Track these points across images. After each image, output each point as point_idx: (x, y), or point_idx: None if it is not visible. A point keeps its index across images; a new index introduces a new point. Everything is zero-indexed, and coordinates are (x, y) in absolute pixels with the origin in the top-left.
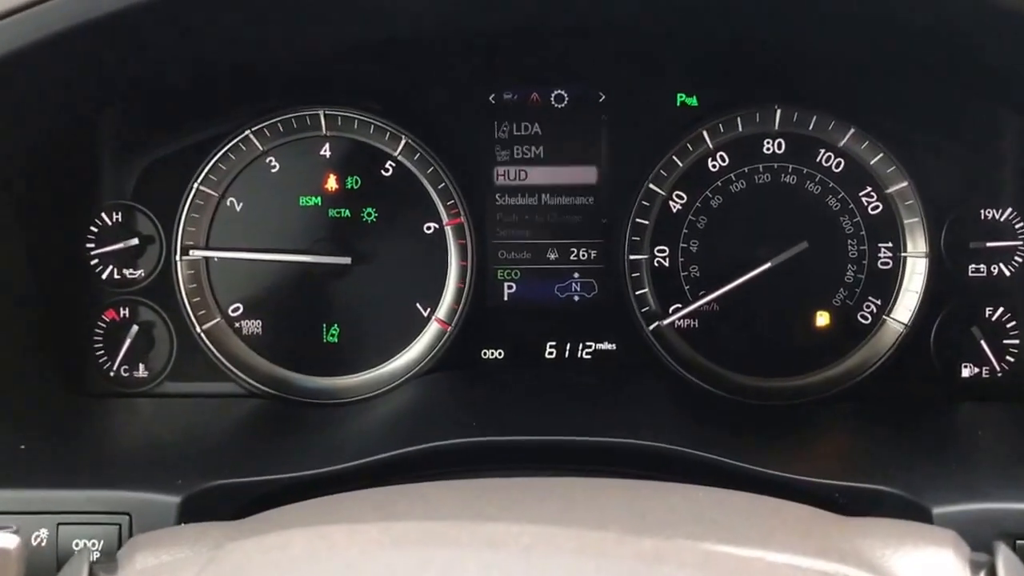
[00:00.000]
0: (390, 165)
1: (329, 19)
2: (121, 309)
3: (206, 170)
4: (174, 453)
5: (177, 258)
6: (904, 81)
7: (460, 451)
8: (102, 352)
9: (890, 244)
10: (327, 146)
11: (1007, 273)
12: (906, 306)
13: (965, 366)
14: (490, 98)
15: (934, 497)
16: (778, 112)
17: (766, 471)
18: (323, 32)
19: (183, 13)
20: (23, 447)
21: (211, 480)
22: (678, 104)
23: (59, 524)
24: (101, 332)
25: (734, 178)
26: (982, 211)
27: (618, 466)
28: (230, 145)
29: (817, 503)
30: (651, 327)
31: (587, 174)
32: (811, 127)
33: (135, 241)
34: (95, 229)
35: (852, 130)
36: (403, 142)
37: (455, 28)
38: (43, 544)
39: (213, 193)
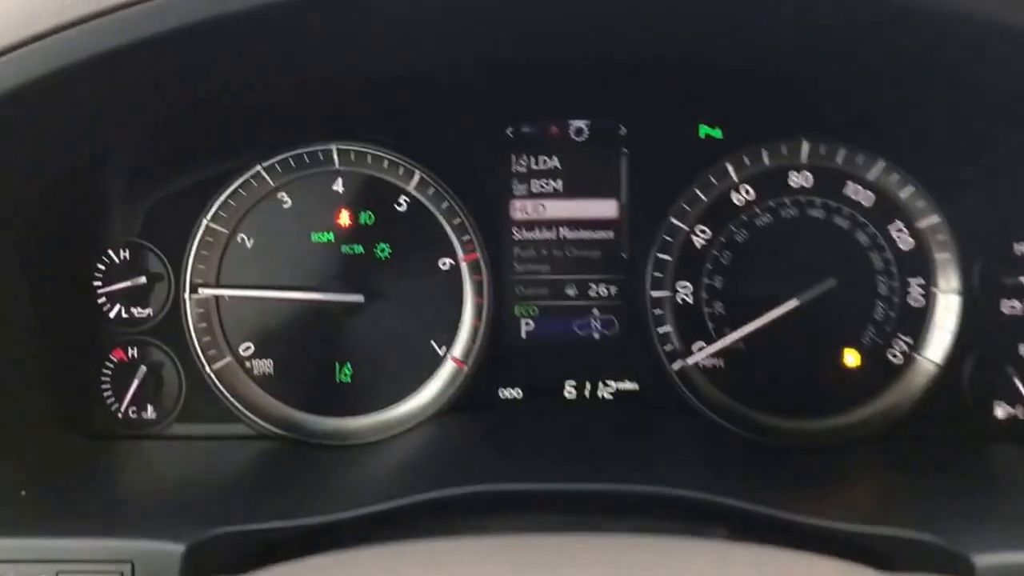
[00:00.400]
0: (404, 200)
1: (345, 52)
2: (129, 349)
3: (216, 206)
4: (181, 498)
5: (186, 296)
6: (936, 113)
7: (476, 499)
8: (109, 393)
9: (921, 280)
10: (340, 181)
11: None
12: (938, 344)
13: (1000, 406)
14: (507, 131)
15: (974, 545)
16: (805, 144)
17: (796, 518)
18: (338, 65)
19: (196, 47)
20: (24, 493)
21: (218, 527)
22: (701, 136)
23: (59, 573)
24: (108, 373)
25: (759, 212)
26: (1016, 245)
27: (641, 514)
28: (240, 181)
29: (850, 552)
30: (674, 366)
31: (607, 208)
32: (839, 160)
33: (143, 279)
34: (102, 267)
35: (882, 163)
36: (417, 176)
37: (472, 60)
38: None
39: (223, 230)
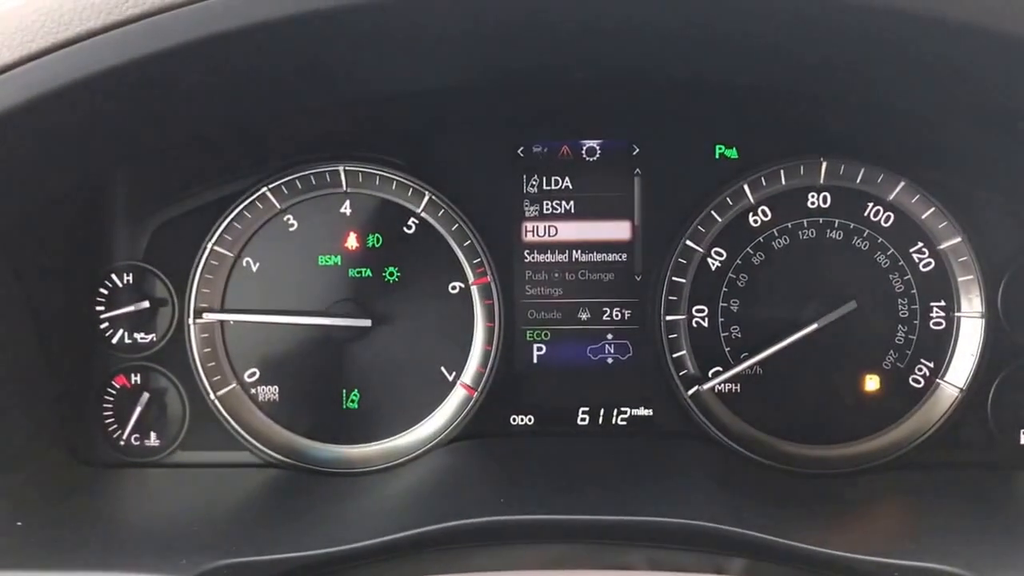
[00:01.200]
0: (413, 222)
1: (356, 71)
2: (132, 375)
3: (221, 229)
4: (183, 528)
5: (190, 321)
6: (957, 132)
7: (486, 530)
8: (112, 420)
9: (943, 303)
10: (347, 203)
11: None
12: (961, 369)
13: None
14: (518, 151)
15: None
16: (824, 164)
17: (815, 549)
18: (347, 84)
19: (204, 65)
20: (19, 524)
21: (219, 559)
22: (717, 156)
23: None
24: (111, 399)
25: (777, 234)
26: None
27: (655, 543)
28: (246, 203)
29: None
30: (690, 392)
31: (620, 230)
32: (859, 180)
33: (146, 304)
34: (105, 291)
35: (902, 183)
36: (427, 198)
37: (483, 81)
38: None
39: (228, 253)
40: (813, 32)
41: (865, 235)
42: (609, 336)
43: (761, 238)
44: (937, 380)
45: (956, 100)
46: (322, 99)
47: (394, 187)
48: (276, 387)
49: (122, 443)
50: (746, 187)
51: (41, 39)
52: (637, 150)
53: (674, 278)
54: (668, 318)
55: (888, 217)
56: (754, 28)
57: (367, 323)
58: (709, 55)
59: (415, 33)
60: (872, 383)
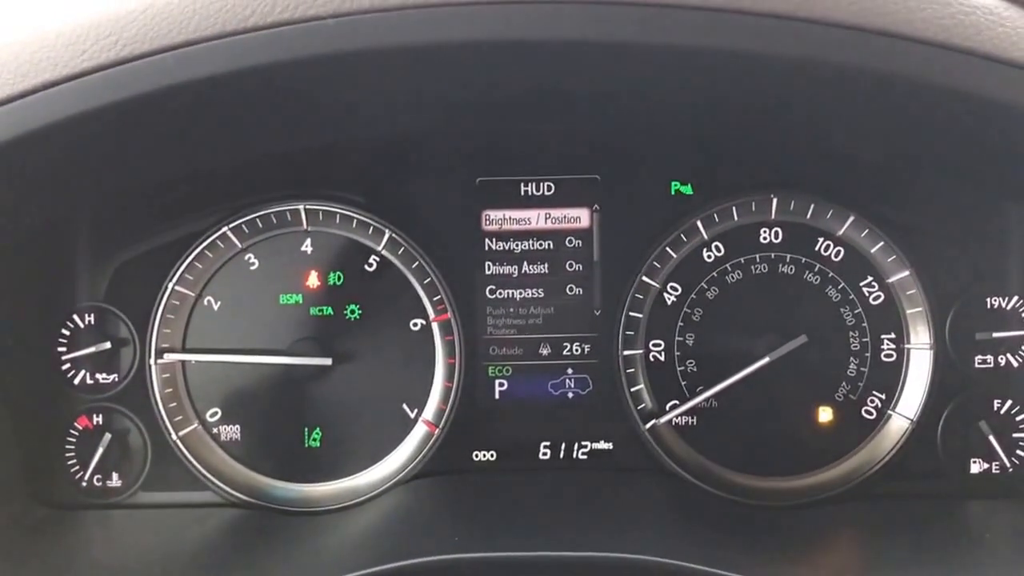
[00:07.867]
0: (374, 260)
1: (317, 118)
2: (94, 416)
3: (182, 269)
4: (146, 568)
5: (152, 362)
6: (904, 168)
7: (447, 568)
8: (74, 461)
9: (893, 336)
10: (308, 241)
11: (1015, 364)
12: (912, 400)
13: (974, 462)
14: (478, 188)
15: None
16: (774, 200)
17: None
18: (310, 130)
19: (165, 112)
20: None
21: None
22: (672, 192)
23: None
24: (73, 440)
25: (730, 269)
26: (988, 300)
27: None
28: (207, 242)
29: None
30: (647, 425)
31: (579, 265)
32: (809, 215)
33: (108, 345)
34: (67, 332)
35: (851, 218)
36: (387, 236)
37: (444, 123)
38: None
39: (189, 293)
40: (767, 84)
41: (816, 269)
42: (570, 371)
43: (715, 273)
44: (889, 411)
45: (905, 143)
46: (285, 146)
47: (354, 225)
48: (238, 426)
49: (84, 484)
50: (700, 223)
51: (12, 84)
52: (596, 187)
53: (631, 313)
54: (625, 353)
55: (838, 252)
56: (711, 82)
57: (327, 362)
58: (668, 105)
59: (386, 83)
60: (825, 415)
